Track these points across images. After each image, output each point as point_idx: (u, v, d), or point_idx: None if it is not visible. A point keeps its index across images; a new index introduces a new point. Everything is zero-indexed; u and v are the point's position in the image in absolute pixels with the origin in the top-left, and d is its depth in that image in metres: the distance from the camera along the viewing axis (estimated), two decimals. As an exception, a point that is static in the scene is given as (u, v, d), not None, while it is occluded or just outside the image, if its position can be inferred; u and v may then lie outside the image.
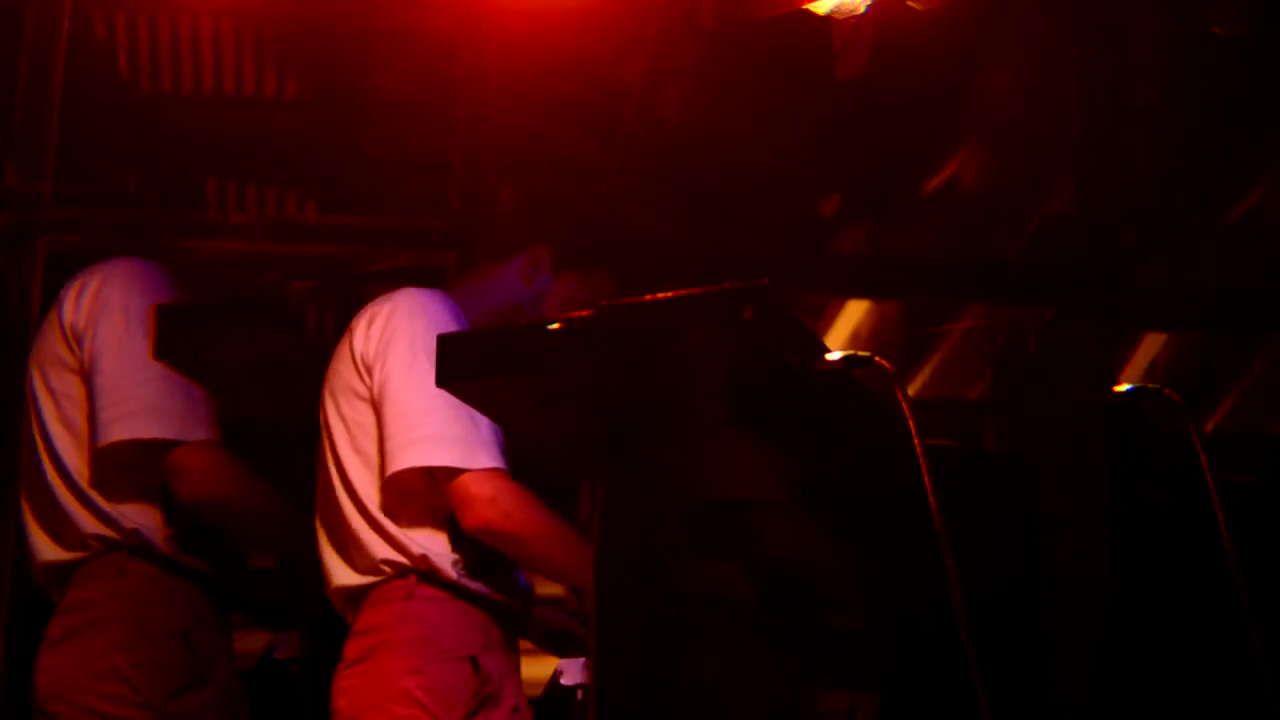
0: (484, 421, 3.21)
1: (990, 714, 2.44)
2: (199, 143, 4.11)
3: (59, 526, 3.32)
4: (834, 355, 2.54)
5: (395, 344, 3.28)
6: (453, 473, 3.19)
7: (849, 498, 2.75)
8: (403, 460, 3.21)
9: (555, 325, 2.67)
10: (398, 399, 3.25)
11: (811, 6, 3.75)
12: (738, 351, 2.54)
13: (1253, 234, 4.83)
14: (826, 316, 5.58)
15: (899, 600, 2.81)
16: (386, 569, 3.24)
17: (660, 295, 2.56)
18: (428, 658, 3.21)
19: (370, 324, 3.33)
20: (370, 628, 3.24)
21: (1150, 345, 5.29)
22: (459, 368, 2.85)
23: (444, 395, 3.06)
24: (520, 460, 3.31)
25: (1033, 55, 4.62)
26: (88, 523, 3.29)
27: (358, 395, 3.31)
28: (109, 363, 3.30)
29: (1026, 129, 4.72)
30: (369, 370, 3.30)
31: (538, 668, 3.56)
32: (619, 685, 2.72)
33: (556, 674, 3.35)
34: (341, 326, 3.43)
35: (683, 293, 2.55)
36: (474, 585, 3.23)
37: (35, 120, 3.35)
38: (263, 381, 3.64)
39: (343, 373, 3.36)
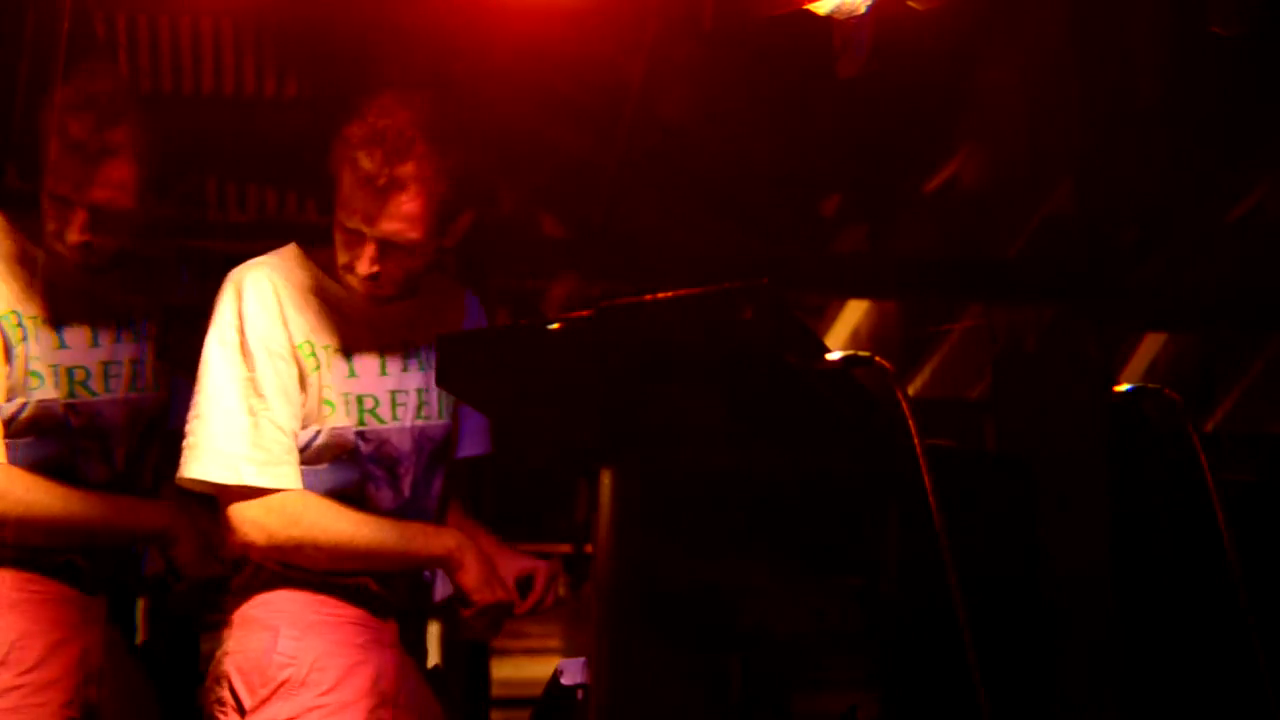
0: (269, 421, 3.14)
1: (990, 714, 2.44)
2: (199, 143, 4.10)
3: None
4: (834, 355, 2.54)
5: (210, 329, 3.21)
6: (219, 489, 3.14)
7: (849, 497, 2.75)
8: (181, 468, 3.16)
9: (555, 325, 2.67)
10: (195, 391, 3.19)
11: (811, 6, 3.75)
12: (738, 351, 2.54)
13: (1253, 234, 4.83)
14: (826, 316, 5.58)
15: (899, 600, 2.81)
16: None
17: (660, 295, 2.56)
18: (242, 636, 3.20)
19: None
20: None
21: (1150, 345, 5.29)
22: (459, 368, 2.84)
23: (225, 388, 3.12)
24: (520, 460, 3.31)
25: (1032, 55, 4.62)
26: None
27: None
28: None
29: (1026, 129, 4.71)
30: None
31: (538, 668, 3.56)
32: (619, 685, 2.72)
33: (556, 674, 3.35)
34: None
35: (683, 293, 2.55)
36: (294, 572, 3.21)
37: (35, 120, 3.34)
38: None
39: None
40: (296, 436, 3.17)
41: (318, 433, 3.19)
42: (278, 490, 3.14)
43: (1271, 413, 5.11)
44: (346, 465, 3.22)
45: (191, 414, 3.17)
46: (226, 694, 3.17)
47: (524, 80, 4.39)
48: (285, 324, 3.18)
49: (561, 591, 3.35)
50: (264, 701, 3.15)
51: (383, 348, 3.25)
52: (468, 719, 4.25)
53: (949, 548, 2.45)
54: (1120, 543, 3.52)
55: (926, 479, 2.46)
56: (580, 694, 3.17)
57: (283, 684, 3.16)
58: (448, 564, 3.22)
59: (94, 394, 3.29)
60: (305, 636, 3.18)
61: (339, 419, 3.20)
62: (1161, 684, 3.39)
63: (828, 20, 3.63)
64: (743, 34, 4.22)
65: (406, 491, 3.28)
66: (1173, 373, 5.23)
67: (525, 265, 4.98)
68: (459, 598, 3.26)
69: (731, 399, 2.64)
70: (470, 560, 3.21)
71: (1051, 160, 4.69)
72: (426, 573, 3.37)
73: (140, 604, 3.57)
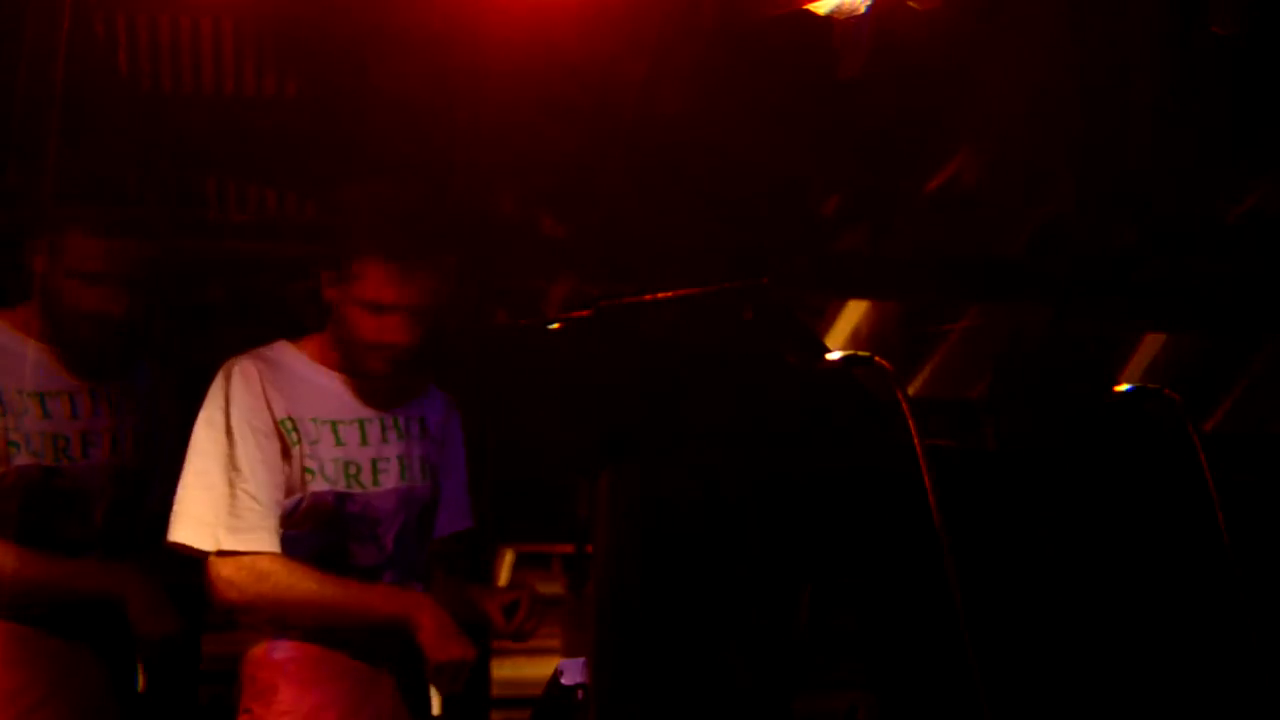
0: (244, 492, 3.48)
1: (990, 713, 2.44)
2: (199, 142, 4.10)
3: None
4: (834, 355, 2.54)
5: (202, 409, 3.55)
6: (200, 553, 3.48)
7: (849, 497, 2.75)
8: (168, 533, 3.49)
9: (555, 325, 2.67)
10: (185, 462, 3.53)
11: (811, 6, 3.75)
12: (738, 351, 2.54)
13: (1253, 234, 4.83)
14: (826, 316, 5.57)
15: (899, 600, 2.81)
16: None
17: (660, 295, 2.56)
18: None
19: None
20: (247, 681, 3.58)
21: (1150, 345, 5.28)
22: (459, 369, 2.85)
23: (208, 463, 3.48)
24: (520, 460, 3.32)
25: (1032, 55, 4.62)
26: None
27: None
28: None
29: (1026, 129, 4.71)
30: None
31: (538, 668, 3.56)
32: (619, 685, 2.71)
33: (556, 674, 3.35)
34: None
35: (683, 293, 2.55)
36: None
37: (35, 120, 3.35)
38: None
39: None
40: (280, 504, 3.51)
41: (300, 499, 3.52)
42: (251, 553, 3.46)
43: (1271, 413, 5.11)
44: (328, 527, 3.54)
45: (180, 485, 3.51)
46: None
47: (524, 80, 4.39)
48: (268, 404, 3.53)
49: (530, 627, 3.45)
50: None
51: (363, 420, 3.58)
52: (468, 719, 4.25)
53: (949, 548, 2.45)
54: (1120, 542, 3.52)
55: (926, 479, 2.46)
56: (580, 694, 3.17)
57: None
58: (406, 624, 3.45)
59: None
60: (307, 690, 3.50)
61: (319, 485, 3.52)
62: (1162, 682, 3.39)
63: (828, 20, 3.63)
64: (743, 34, 4.22)
65: (390, 548, 3.57)
66: (1172, 373, 5.23)
67: (525, 265, 4.98)
68: (421, 656, 3.46)
69: (732, 399, 2.64)
70: (427, 620, 3.44)
71: (1051, 160, 4.68)
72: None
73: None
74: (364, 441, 3.56)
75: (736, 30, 4.11)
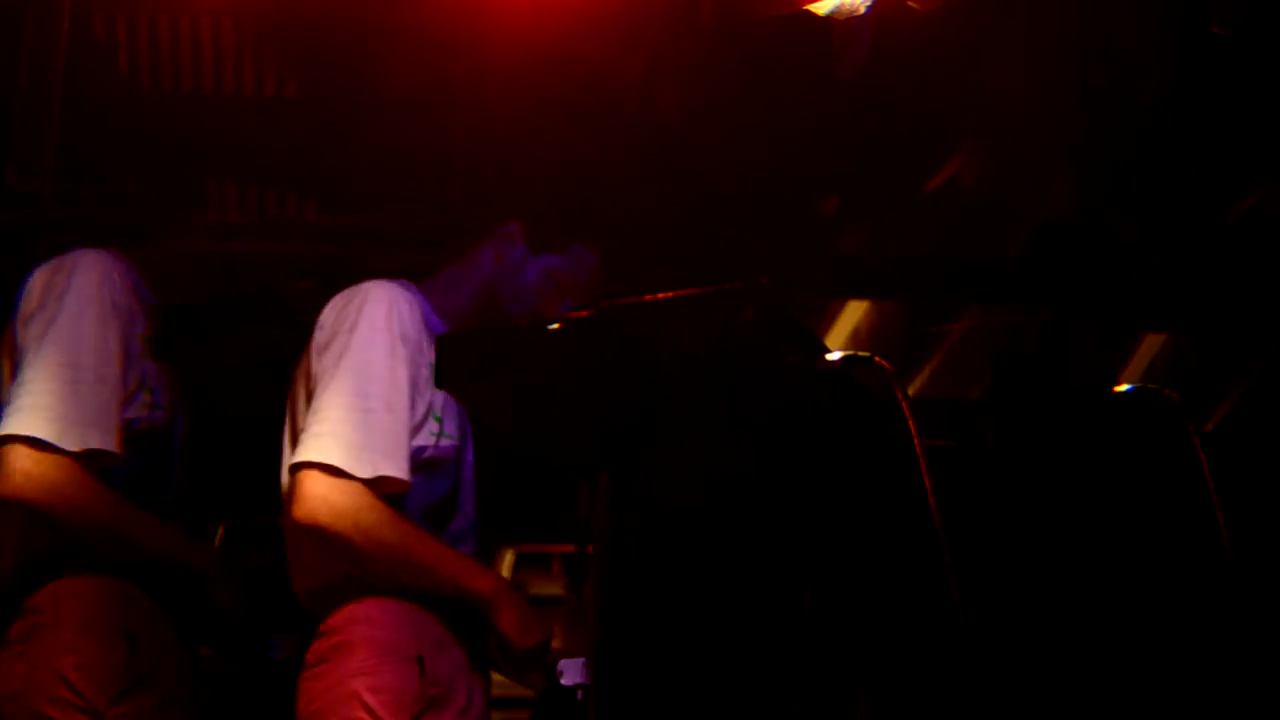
0: (393, 430, 3.22)
1: (990, 713, 2.44)
2: (199, 143, 4.10)
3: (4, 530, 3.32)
4: (834, 355, 2.54)
5: (340, 336, 3.28)
6: (313, 466, 3.19)
7: (849, 498, 2.75)
8: (295, 454, 3.23)
9: (555, 325, 2.68)
10: (320, 392, 3.25)
11: (812, 6, 3.75)
12: (738, 351, 2.54)
13: (1253, 234, 4.83)
14: (826, 316, 5.57)
15: (899, 599, 2.81)
16: (332, 568, 3.26)
17: (660, 295, 2.56)
18: (376, 659, 3.22)
19: (330, 312, 3.34)
20: (327, 630, 3.26)
21: (1150, 345, 5.29)
22: (459, 368, 2.85)
23: (363, 393, 3.20)
24: (520, 461, 3.32)
25: (1033, 55, 4.62)
26: (15, 535, 3.30)
27: (308, 384, 3.32)
28: (31, 355, 3.26)
29: (1026, 129, 4.71)
30: (318, 357, 3.31)
31: (538, 668, 3.56)
32: (619, 685, 2.71)
33: (557, 674, 3.35)
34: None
35: (683, 293, 2.55)
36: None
37: (35, 120, 3.35)
38: (261, 382, 3.64)
39: (303, 361, 3.37)
40: (412, 440, 3.26)
41: (425, 448, 3.29)
42: (370, 479, 3.20)
43: (1271, 413, 5.11)
44: (439, 483, 3.32)
45: (328, 403, 3.22)
46: (364, 715, 3.20)
47: (524, 81, 4.39)
48: (423, 340, 3.28)
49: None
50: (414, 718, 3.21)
51: None
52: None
53: (949, 548, 2.45)
54: (1120, 542, 3.52)
55: (926, 479, 2.46)
56: (580, 694, 3.17)
57: (428, 703, 3.23)
58: (488, 603, 3.27)
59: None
60: (437, 654, 3.26)
61: (445, 436, 3.31)
62: (1162, 682, 3.39)
63: (828, 20, 3.63)
64: (743, 34, 4.22)
65: (472, 517, 3.39)
66: (1173, 373, 5.23)
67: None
68: (499, 643, 3.30)
69: (732, 399, 2.64)
70: (509, 603, 3.27)
71: (1051, 160, 4.69)
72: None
73: None
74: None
75: (736, 30, 4.11)
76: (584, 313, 2.66)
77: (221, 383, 3.72)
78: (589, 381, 2.72)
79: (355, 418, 3.21)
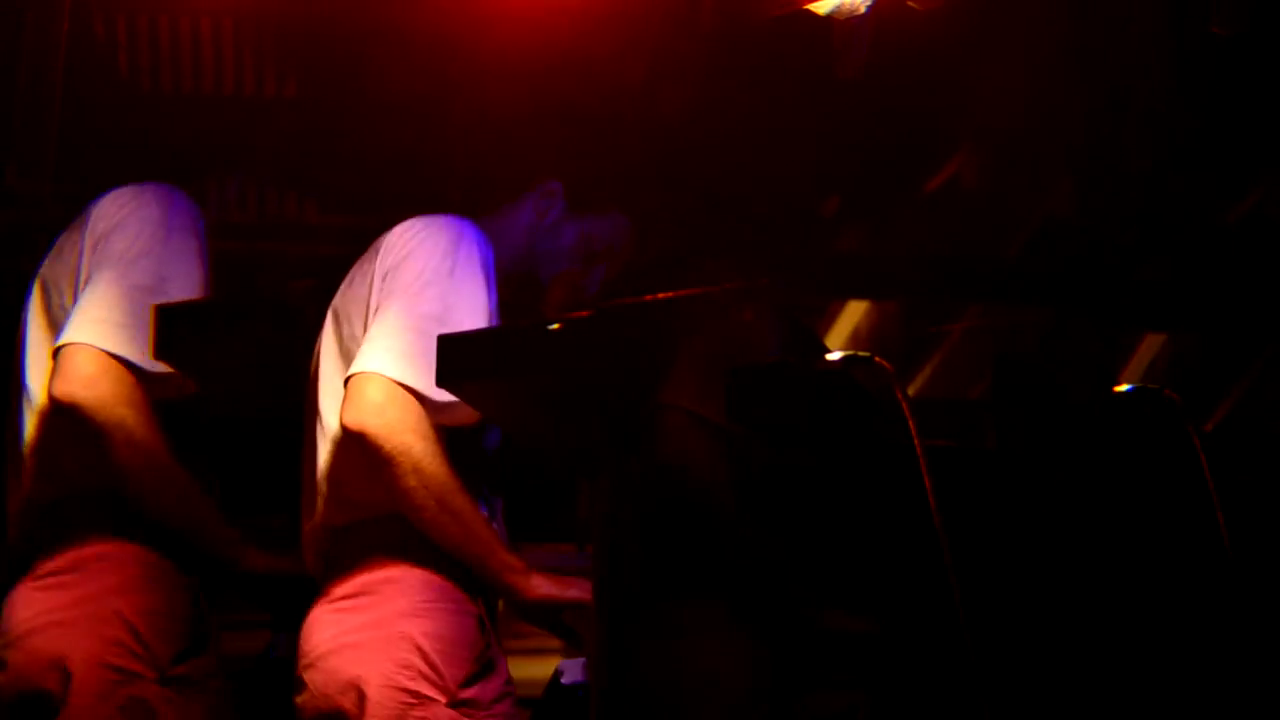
0: None
1: (990, 713, 2.44)
2: (199, 143, 4.10)
3: (45, 463, 3.15)
4: (834, 355, 2.54)
5: (416, 255, 3.12)
6: (372, 377, 2.98)
7: (849, 498, 2.75)
8: (354, 365, 3.01)
9: (555, 325, 2.67)
10: (388, 309, 3.07)
11: (812, 6, 3.75)
12: (738, 351, 2.54)
13: (1253, 234, 4.83)
14: (826, 316, 5.57)
15: (899, 600, 2.81)
16: (377, 506, 3.04)
17: (660, 295, 2.56)
18: (433, 602, 3.01)
19: (401, 234, 3.19)
20: (366, 565, 3.02)
21: (1150, 345, 5.29)
22: (459, 368, 2.84)
23: (436, 319, 2.98)
24: (520, 460, 3.31)
25: (1033, 55, 4.62)
26: (71, 458, 3.10)
27: (365, 308, 3.15)
28: (106, 270, 3.16)
29: (1026, 129, 4.72)
30: (384, 278, 3.13)
31: (538, 668, 3.56)
32: (619, 685, 2.71)
33: (557, 674, 3.35)
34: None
35: (683, 293, 2.55)
36: None
37: (35, 120, 3.35)
38: (262, 382, 3.64)
39: (357, 285, 3.20)
40: None
41: None
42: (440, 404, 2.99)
43: (1272, 413, 5.11)
44: (486, 440, 3.14)
45: (404, 317, 3.03)
46: (425, 667, 2.95)
47: (524, 81, 4.39)
48: (489, 280, 3.13)
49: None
50: (468, 678, 3.00)
51: None
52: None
53: (949, 548, 2.45)
54: (1119, 542, 3.52)
55: (926, 479, 2.46)
56: (580, 694, 3.17)
57: (484, 666, 3.02)
58: (510, 584, 3.08)
59: None
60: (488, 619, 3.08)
61: None
62: (1161, 682, 3.39)
63: (828, 20, 3.63)
64: (743, 34, 4.22)
65: (500, 490, 3.26)
66: (1173, 373, 5.23)
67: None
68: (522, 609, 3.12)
69: (731, 399, 2.64)
70: (538, 576, 3.09)
71: (1051, 160, 4.69)
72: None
73: None
74: None
75: (737, 30, 4.11)
76: (584, 313, 2.67)
77: (221, 383, 3.72)
78: (589, 381, 2.72)
79: (426, 343, 2.93)
